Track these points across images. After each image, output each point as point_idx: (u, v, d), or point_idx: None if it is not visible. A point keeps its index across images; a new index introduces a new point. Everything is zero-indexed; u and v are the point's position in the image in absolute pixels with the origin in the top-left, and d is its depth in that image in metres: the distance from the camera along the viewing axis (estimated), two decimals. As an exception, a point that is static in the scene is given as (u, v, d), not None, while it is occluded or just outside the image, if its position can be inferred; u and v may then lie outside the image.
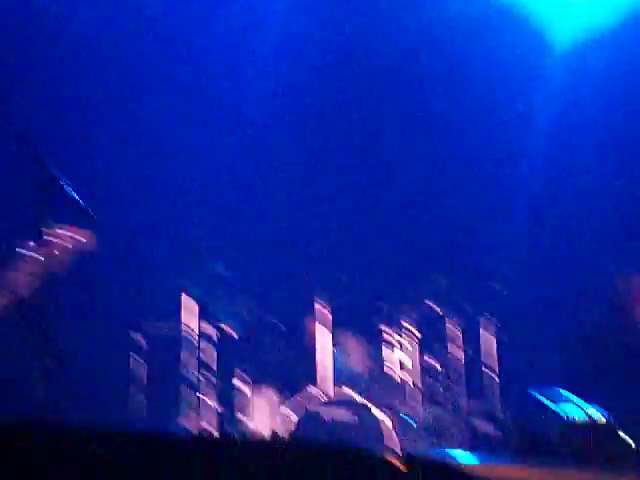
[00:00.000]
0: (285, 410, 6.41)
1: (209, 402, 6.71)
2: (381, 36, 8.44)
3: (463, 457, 3.35)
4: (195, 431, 6.47)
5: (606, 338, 6.20)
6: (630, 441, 4.68)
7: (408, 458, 2.28)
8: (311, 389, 6.59)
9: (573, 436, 4.90)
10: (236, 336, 7.01)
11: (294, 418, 6.40)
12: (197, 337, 6.82)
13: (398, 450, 6.40)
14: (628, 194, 8.49)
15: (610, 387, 5.89)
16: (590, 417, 4.89)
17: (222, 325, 6.98)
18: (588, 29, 8.24)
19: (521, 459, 4.85)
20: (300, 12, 8.23)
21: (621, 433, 4.74)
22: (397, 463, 2.32)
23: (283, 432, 6.32)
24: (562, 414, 5.08)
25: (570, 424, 4.99)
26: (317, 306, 7.12)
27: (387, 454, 2.33)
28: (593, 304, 6.47)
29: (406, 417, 7.20)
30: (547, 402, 5.27)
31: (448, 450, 6.27)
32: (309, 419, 6.30)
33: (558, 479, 2.70)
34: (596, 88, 8.36)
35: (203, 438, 3.96)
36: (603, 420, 4.85)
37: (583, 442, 4.80)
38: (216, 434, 6.36)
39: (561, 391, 5.42)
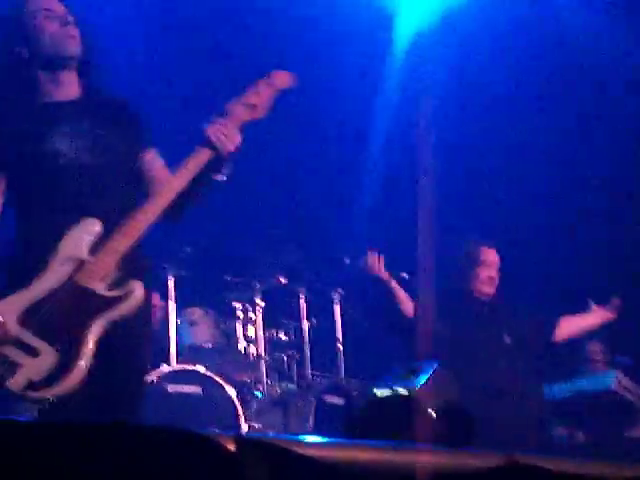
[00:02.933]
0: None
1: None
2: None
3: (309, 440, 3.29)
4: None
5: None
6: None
7: (242, 442, 2.21)
8: (164, 367, 6.46)
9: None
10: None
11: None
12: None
13: (243, 424, 6.38)
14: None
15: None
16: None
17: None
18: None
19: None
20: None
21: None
22: (231, 447, 2.24)
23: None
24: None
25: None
26: (169, 281, 6.99)
27: (222, 437, 2.25)
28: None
29: (254, 392, 7.18)
30: (388, 376, 5.25)
31: (293, 434, 6.27)
32: (153, 393, 6.19)
33: (404, 458, 2.69)
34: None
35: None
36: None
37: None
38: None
39: (428, 366, 5.36)
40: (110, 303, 3.44)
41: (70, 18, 3.80)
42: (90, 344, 3.36)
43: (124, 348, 3.62)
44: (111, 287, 3.47)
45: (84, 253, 3.50)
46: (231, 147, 3.75)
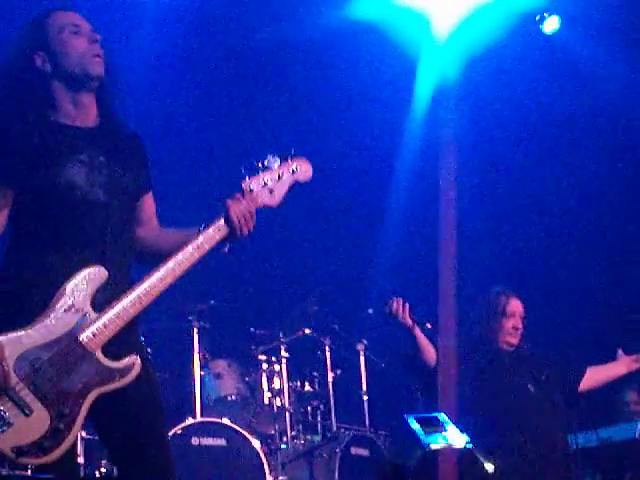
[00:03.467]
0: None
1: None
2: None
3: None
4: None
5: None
6: (489, 467, 4.70)
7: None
8: (189, 419, 6.46)
9: (431, 464, 4.87)
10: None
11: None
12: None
13: (268, 476, 6.36)
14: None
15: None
16: (448, 443, 4.88)
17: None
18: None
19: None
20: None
21: (480, 458, 4.74)
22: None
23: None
24: (423, 441, 5.07)
25: (428, 451, 4.96)
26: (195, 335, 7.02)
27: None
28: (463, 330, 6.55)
29: (279, 444, 7.17)
30: (416, 428, 5.25)
31: None
32: (178, 445, 6.18)
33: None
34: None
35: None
36: (461, 445, 4.84)
37: (442, 469, 4.78)
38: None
39: (440, 416, 5.38)
40: (109, 376, 3.38)
41: (98, 37, 3.66)
42: (83, 415, 3.32)
43: (126, 413, 3.50)
44: (111, 355, 3.40)
45: (88, 307, 3.40)
46: (246, 232, 3.66)
